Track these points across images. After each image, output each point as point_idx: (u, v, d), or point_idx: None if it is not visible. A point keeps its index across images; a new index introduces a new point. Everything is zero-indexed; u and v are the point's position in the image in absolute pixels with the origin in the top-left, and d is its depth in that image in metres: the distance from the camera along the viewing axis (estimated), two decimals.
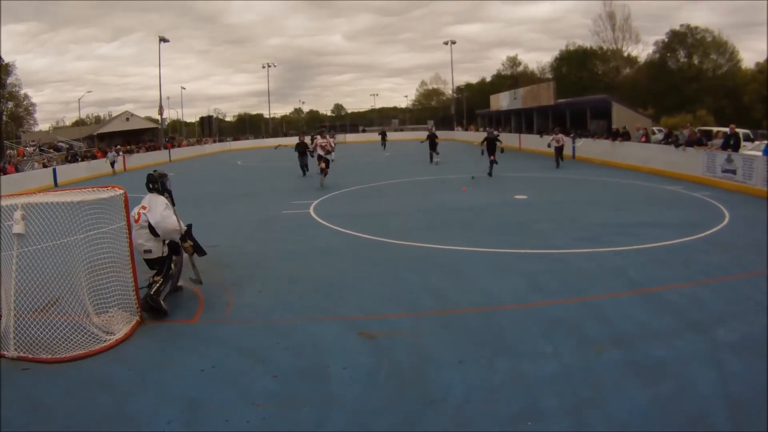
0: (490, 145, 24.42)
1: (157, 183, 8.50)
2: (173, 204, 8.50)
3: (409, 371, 6.06)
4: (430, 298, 8.50)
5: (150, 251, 8.14)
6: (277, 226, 15.01)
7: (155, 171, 8.79)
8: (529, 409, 5.17)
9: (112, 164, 38.13)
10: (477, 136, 51.50)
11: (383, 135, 54.56)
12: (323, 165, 22.69)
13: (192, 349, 6.87)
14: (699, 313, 7.31)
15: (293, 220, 15.68)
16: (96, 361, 6.63)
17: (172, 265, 8.47)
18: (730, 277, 8.74)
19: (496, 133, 29.61)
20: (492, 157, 24.21)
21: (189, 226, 8.58)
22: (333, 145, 24.27)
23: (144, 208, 8.22)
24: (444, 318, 7.64)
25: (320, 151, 23.18)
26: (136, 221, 8.07)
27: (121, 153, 42.88)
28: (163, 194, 8.48)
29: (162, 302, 8.09)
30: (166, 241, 8.38)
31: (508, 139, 43.38)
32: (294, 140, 33.42)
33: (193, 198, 20.46)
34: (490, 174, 24.03)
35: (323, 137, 25.40)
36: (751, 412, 4.89)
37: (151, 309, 8.01)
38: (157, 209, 8.11)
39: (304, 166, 27.57)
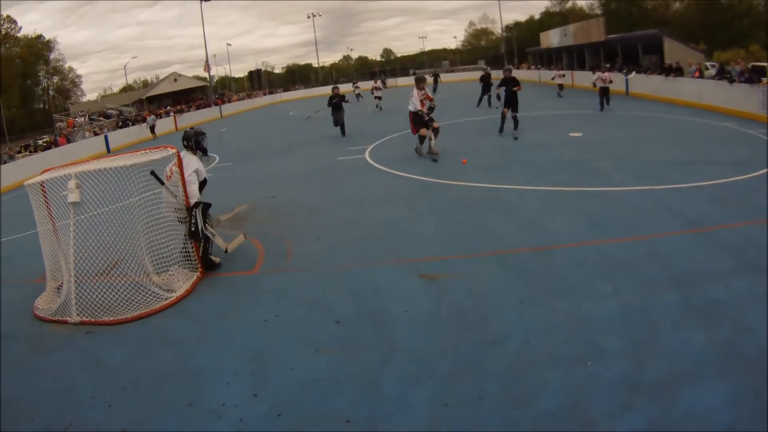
0: (510, 94, 18.03)
1: (190, 141, 8.53)
2: (208, 161, 8.45)
3: (468, 313, 6.12)
4: (488, 238, 8.52)
5: (180, 210, 8.06)
6: (333, 173, 15.07)
7: (192, 128, 8.82)
8: (589, 349, 5.19)
9: (152, 129, 37.48)
10: (529, 74, 50.61)
11: (436, 77, 50.19)
12: (435, 125, 15.15)
13: (254, 300, 7.03)
14: (756, 253, 7.10)
15: (349, 167, 15.73)
16: (158, 319, 6.82)
17: (198, 221, 8.06)
18: None
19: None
20: (508, 111, 18.16)
21: (205, 206, 8.27)
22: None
23: (177, 165, 8.14)
24: (502, 258, 7.66)
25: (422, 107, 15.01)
26: (168, 178, 8.00)
27: (167, 115, 43.26)
28: (196, 153, 8.53)
29: (212, 258, 8.31)
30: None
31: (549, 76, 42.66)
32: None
33: (247, 151, 20.66)
34: (501, 130, 18.53)
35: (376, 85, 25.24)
36: None
37: (208, 267, 8.19)
38: (186, 170, 8.07)
39: (341, 124, 22.54)
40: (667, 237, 7.91)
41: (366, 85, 49.73)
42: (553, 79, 34.58)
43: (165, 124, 40.48)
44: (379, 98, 35.13)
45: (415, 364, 5.19)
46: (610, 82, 24.89)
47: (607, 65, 29.32)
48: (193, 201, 8.03)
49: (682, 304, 5.92)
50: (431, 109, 15.20)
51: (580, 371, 4.85)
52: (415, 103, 14.95)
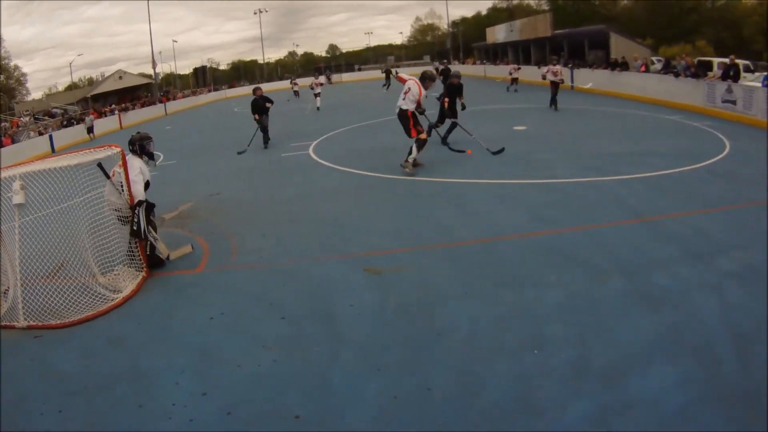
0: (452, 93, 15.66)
1: (135, 145, 8.43)
2: (153, 165, 8.63)
3: (415, 305, 6.13)
4: (434, 231, 8.56)
5: (120, 210, 7.93)
6: (278, 170, 15.01)
7: (138, 132, 8.73)
8: (535, 338, 5.24)
9: (89, 129, 35.35)
10: (475, 69, 50.92)
11: (388, 73, 46.45)
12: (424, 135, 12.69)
13: (199, 298, 6.94)
14: (701, 242, 7.32)
15: (293, 162, 15.65)
16: (106, 321, 6.67)
17: (141, 220, 7.93)
18: (731, 206, 8.70)
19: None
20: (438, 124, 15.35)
21: (149, 205, 8.12)
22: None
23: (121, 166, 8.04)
24: (448, 251, 7.71)
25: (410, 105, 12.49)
26: (110, 177, 7.85)
27: (111, 113, 42.40)
28: (141, 157, 8.41)
29: (159, 254, 8.18)
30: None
31: (502, 72, 42.91)
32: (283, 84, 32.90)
33: (192, 148, 20.39)
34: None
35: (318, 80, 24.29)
36: (754, 341, 4.92)
37: (154, 264, 8.08)
38: (131, 171, 7.97)
39: (264, 131, 19.39)
40: (612, 227, 8.07)
41: (305, 82, 47.23)
42: (510, 74, 34.29)
43: (109, 123, 39.63)
44: (318, 95, 32.37)
45: (363, 357, 5.18)
46: (561, 80, 23.08)
47: (555, 57, 29.03)
48: (137, 200, 7.90)
49: (629, 292, 6.04)
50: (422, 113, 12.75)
51: (528, 360, 4.89)
52: (411, 101, 12.37)
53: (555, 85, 22.40)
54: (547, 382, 4.55)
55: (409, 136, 12.62)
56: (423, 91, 12.47)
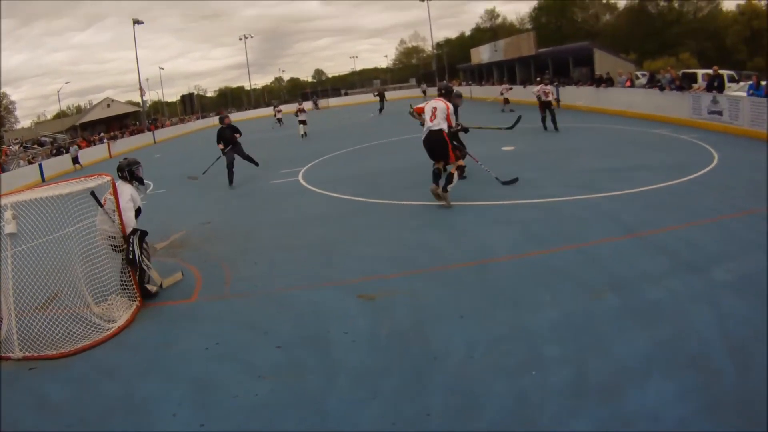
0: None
1: (124, 171, 8.46)
2: (144, 190, 8.71)
3: (410, 330, 6.10)
4: (426, 255, 8.54)
5: (114, 237, 7.94)
6: (268, 197, 15.04)
7: (125, 158, 8.76)
8: (532, 358, 5.22)
9: (75, 160, 34.41)
10: (461, 91, 51.07)
11: (381, 95, 45.04)
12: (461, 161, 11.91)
13: (194, 328, 6.90)
14: (693, 254, 7.35)
15: (283, 189, 15.66)
16: (101, 351, 6.63)
17: (135, 248, 7.94)
18: (722, 217, 8.75)
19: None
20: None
21: (142, 233, 8.17)
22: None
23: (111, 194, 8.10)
24: (441, 274, 7.70)
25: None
26: (102, 206, 7.92)
27: (100, 142, 42.38)
28: (131, 182, 8.43)
29: (147, 286, 8.15)
30: None
31: (489, 92, 43.16)
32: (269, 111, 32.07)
33: (181, 177, 20.33)
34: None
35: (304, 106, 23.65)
36: (751, 350, 4.94)
37: (146, 296, 8.05)
38: (122, 198, 8.00)
39: (230, 166, 17.40)
40: (604, 243, 8.10)
41: (291, 108, 46.60)
42: (501, 94, 34.43)
43: (98, 152, 39.57)
44: (304, 122, 30.59)
45: (360, 384, 5.15)
46: (556, 99, 23.19)
47: (546, 75, 28.72)
48: (129, 229, 7.92)
49: (623, 308, 6.06)
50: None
51: (526, 380, 4.88)
52: (442, 119, 10.93)
53: (548, 105, 21.29)
54: (546, 402, 4.54)
55: (447, 162, 11.15)
56: (450, 106, 11.15)
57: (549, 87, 22.04)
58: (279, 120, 44.05)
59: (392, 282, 7.64)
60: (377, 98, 46.09)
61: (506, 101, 32.95)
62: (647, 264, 7.16)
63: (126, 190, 8.20)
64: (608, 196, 10.54)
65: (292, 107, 43.90)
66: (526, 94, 32.26)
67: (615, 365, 4.96)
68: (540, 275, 7.19)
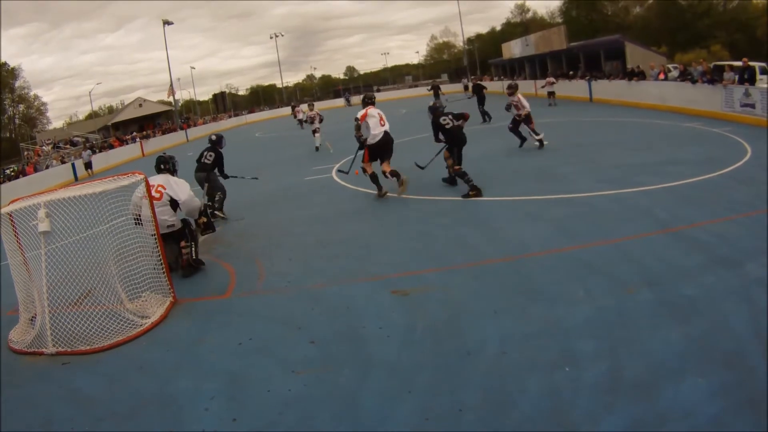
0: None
1: (168, 163, 9.16)
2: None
3: (444, 326, 6.09)
4: (460, 250, 8.52)
5: (173, 225, 8.67)
6: (301, 193, 15.13)
7: (165, 153, 9.04)
8: (566, 354, 5.19)
9: (87, 166, 33.59)
10: (494, 86, 50.37)
11: (437, 89, 42.51)
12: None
13: (227, 323, 6.95)
14: (727, 249, 7.22)
15: (316, 185, 15.78)
16: (134, 346, 6.71)
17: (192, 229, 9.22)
18: (756, 212, 8.56)
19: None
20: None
21: (206, 205, 8.79)
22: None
23: (163, 186, 8.69)
24: (475, 269, 7.66)
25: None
26: (158, 200, 8.41)
27: (133, 141, 42.83)
28: (174, 174, 9.02)
29: (201, 259, 9.00)
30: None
31: (523, 87, 42.60)
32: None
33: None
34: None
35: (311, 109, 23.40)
36: None
37: (195, 269, 8.83)
38: (183, 188, 8.71)
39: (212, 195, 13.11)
40: (637, 239, 7.99)
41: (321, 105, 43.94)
42: (543, 87, 33.67)
43: (131, 151, 40.05)
44: (317, 131, 24.87)
45: (393, 379, 5.15)
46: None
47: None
48: (199, 207, 9.40)
49: (657, 303, 5.98)
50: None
51: (559, 376, 4.85)
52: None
53: (551, 93, 22.31)
54: (580, 398, 4.50)
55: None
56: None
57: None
58: (300, 121, 40.87)
59: (426, 277, 7.63)
60: (430, 92, 44.01)
61: (550, 95, 31.91)
62: (681, 259, 7.06)
63: (181, 180, 8.99)
64: (641, 190, 10.41)
65: (323, 104, 42.43)
66: (557, 87, 32.10)
67: (649, 361, 4.90)
68: (574, 270, 7.13)
